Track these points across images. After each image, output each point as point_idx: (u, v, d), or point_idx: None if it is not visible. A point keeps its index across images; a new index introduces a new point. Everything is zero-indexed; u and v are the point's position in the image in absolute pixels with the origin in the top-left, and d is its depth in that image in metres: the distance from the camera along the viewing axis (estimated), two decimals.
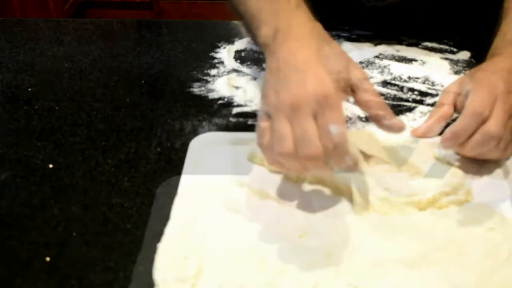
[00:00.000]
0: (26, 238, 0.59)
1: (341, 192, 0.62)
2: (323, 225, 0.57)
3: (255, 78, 0.88)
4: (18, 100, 0.84)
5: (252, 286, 0.51)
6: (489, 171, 0.66)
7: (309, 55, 0.60)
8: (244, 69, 0.91)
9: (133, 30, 1.12)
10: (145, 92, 0.86)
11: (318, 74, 0.57)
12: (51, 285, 0.53)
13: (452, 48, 0.97)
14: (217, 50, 0.98)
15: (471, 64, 0.90)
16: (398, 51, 0.96)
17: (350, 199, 0.61)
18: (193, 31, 1.06)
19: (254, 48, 0.98)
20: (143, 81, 0.89)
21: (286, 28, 0.62)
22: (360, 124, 0.75)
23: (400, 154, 0.67)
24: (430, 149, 0.67)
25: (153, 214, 0.61)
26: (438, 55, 0.95)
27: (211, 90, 0.86)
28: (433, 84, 0.87)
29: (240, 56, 0.96)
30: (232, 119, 0.78)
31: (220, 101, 0.83)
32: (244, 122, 0.78)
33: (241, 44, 1.00)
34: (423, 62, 0.92)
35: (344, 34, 1.00)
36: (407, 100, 0.82)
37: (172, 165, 0.69)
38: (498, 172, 0.66)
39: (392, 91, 0.85)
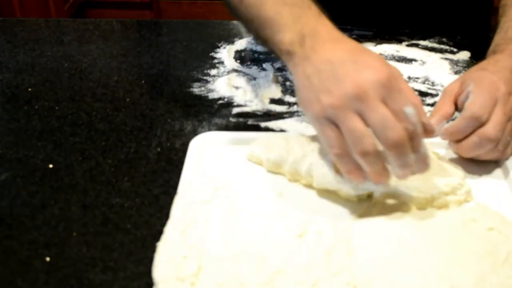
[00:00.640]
0: (26, 238, 0.59)
1: (340, 193, 0.62)
2: (322, 225, 0.57)
3: (255, 78, 0.88)
4: (18, 100, 0.84)
5: (251, 285, 0.51)
6: (489, 171, 0.67)
7: (347, 51, 0.56)
8: (244, 69, 0.91)
9: (133, 30, 1.12)
10: (145, 92, 0.87)
11: (370, 62, 0.54)
12: (51, 285, 0.53)
13: (452, 48, 0.97)
14: (217, 50, 0.98)
15: (471, 64, 0.90)
16: (398, 51, 0.96)
17: (350, 199, 0.61)
18: (193, 31, 1.06)
19: (254, 48, 0.98)
20: (143, 81, 0.89)
21: (313, 33, 0.59)
22: None
23: None
24: (430, 149, 0.67)
25: (153, 214, 0.61)
26: (438, 55, 0.95)
27: (211, 90, 0.86)
28: (433, 84, 0.87)
29: (240, 56, 0.96)
30: (232, 119, 0.78)
31: (220, 101, 0.83)
32: (244, 122, 0.78)
33: (241, 44, 1.00)
34: (423, 62, 0.93)
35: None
36: None
37: (172, 165, 0.69)
38: (498, 172, 0.67)
39: None
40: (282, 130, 0.76)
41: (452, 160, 0.67)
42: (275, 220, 0.58)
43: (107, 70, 0.93)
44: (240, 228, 0.57)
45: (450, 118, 0.66)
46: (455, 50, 0.96)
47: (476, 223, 0.57)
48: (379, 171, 0.54)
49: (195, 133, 0.75)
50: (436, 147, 0.68)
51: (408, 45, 0.98)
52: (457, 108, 0.66)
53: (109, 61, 0.95)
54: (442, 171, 0.63)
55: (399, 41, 0.99)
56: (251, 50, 0.98)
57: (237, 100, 0.83)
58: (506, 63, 0.67)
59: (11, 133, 0.76)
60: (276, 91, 0.84)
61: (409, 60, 0.93)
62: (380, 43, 0.98)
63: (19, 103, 0.83)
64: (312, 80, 0.56)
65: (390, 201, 0.60)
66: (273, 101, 0.83)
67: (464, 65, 0.91)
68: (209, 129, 0.76)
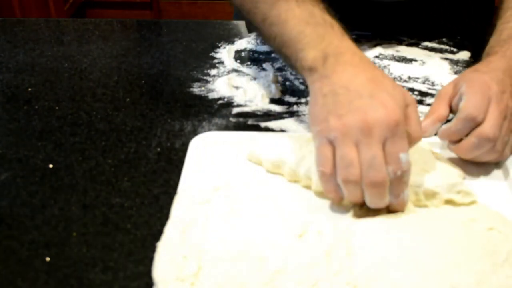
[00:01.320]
0: (26, 238, 0.59)
1: None
2: (322, 225, 0.57)
3: (255, 78, 0.88)
4: (18, 100, 0.84)
5: (251, 285, 0.51)
6: (489, 172, 0.67)
7: (367, 81, 0.58)
8: (244, 69, 0.91)
9: (133, 30, 1.12)
10: (145, 92, 0.87)
11: (386, 101, 0.56)
12: (51, 285, 0.53)
13: (452, 48, 0.97)
14: (217, 50, 0.98)
15: (471, 64, 0.90)
16: (398, 51, 0.96)
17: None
18: (193, 31, 1.06)
19: (254, 48, 0.98)
20: (143, 81, 0.89)
21: (337, 53, 0.60)
22: None
23: None
24: (430, 149, 0.67)
25: (153, 214, 0.61)
26: (438, 55, 0.95)
27: (211, 90, 0.86)
28: (433, 84, 0.87)
29: (240, 56, 0.96)
30: (232, 119, 0.78)
31: (220, 101, 0.83)
32: (244, 122, 0.78)
33: (241, 44, 1.00)
34: (423, 62, 0.93)
35: None
36: None
37: (172, 165, 0.69)
38: (498, 172, 0.67)
39: None
40: (282, 130, 0.76)
41: (452, 161, 0.67)
42: (275, 220, 0.58)
43: (107, 70, 0.93)
44: (240, 228, 0.57)
45: (444, 120, 0.67)
46: (455, 50, 0.96)
47: (476, 223, 0.57)
48: (356, 198, 0.57)
49: (195, 133, 0.75)
50: (436, 147, 0.69)
51: (408, 45, 0.98)
52: (452, 110, 0.67)
53: (109, 61, 0.95)
54: (441, 170, 0.63)
55: (399, 41, 0.99)
56: (251, 50, 0.98)
57: (237, 100, 0.83)
58: (499, 64, 0.68)
59: (11, 133, 0.76)
60: (276, 91, 0.84)
61: (409, 60, 0.93)
62: (380, 43, 0.98)
63: (19, 103, 0.83)
64: (327, 100, 0.58)
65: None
66: (273, 101, 0.83)
67: (464, 65, 0.91)
68: (209, 129, 0.76)
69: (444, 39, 0.99)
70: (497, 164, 0.67)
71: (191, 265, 0.52)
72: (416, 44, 0.98)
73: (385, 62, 0.93)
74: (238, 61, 0.94)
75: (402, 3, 0.95)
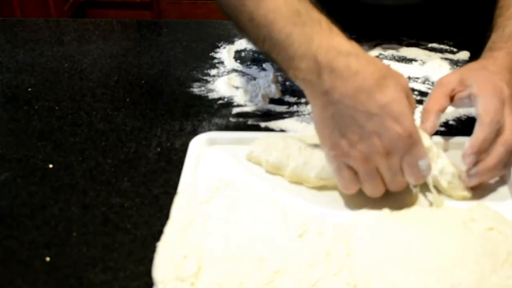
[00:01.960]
0: (26, 238, 0.59)
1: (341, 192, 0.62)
2: (322, 225, 0.57)
3: (255, 78, 0.88)
4: (18, 100, 0.84)
5: (251, 285, 0.51)
6: None
7: (371, 91, 0.55)
8: (244, 69, 0.91)
9: (133, 30, 1.12)
10: (145, 92, 0.87)
11: (395, 110, 0.55)
12: (51, 285, 0.53)
13: (452, 48, 0.97)
14: (217, 50, 0.98)
15: None
16: (398, 51, 0.96)
17: (349, 199, 0.61)
18: (193, 31, 1.06)
19: (254, 48, 0.98)
20: (143, 81, 0.89)
21: (329, 61, 0.57)
22: None
23: None
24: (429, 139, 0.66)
25: (153, 214, 0.61)
26: (438, 55, 0.95)
27: (211, 90, 0.86)
28: (433, 84, 0.87)
29: (240, 56, 0.96)
30: (232, 119, 0.78)
31: (220, 101, 0.83)
32: (244, 122, 0.78)
33: (241, 44, 1.00)
34: (423, 62, 0.93)
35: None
36: None
37: (172, 165, 0.69)
38: None
39: None
40: (282, 130, 0.76)
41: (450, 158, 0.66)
42: (275, 220, 0.58)
43: (107, 70, 0.93)
44: (240, 228, 0.57)
45: (444, 111, 0.67)
46: (455, 50, 0.96)
47: (476, 223, 0.57)
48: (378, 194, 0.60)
49: (195, 133, 0.74)
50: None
51: (408, 45, 0.98)
52: (452, 103, 0.66)
53: (109, 61, 0.95)
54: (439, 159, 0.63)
55: (399, 41, 0.99)
56: (251, 50, 0.98)
57: (237, 100, 0.83)
58: (504, 62, 0.67)
59: (11, 133, 0.76)
60: (276, 91, 0.84)
61: (409, 60, 0.93)
62: (380, 43, 0.98)
63: (19, 103, 0.83)
64: (335, 122, 0.57)
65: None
66: (273, 101, 0.83)
67: (464, 65, 0.91)
68: (209, 129, 0.76)
69: (444, 39, 0.99)
70: None
71: (191, 265, 0.52)
72: (416, 44, 0.98)
73: (385, 62, 0.93)
74: (238, 61, 0.94)
75: (402, 7, 0.95)
